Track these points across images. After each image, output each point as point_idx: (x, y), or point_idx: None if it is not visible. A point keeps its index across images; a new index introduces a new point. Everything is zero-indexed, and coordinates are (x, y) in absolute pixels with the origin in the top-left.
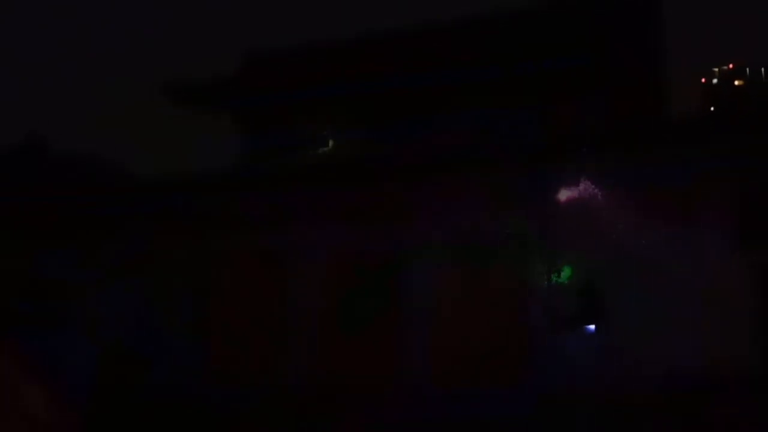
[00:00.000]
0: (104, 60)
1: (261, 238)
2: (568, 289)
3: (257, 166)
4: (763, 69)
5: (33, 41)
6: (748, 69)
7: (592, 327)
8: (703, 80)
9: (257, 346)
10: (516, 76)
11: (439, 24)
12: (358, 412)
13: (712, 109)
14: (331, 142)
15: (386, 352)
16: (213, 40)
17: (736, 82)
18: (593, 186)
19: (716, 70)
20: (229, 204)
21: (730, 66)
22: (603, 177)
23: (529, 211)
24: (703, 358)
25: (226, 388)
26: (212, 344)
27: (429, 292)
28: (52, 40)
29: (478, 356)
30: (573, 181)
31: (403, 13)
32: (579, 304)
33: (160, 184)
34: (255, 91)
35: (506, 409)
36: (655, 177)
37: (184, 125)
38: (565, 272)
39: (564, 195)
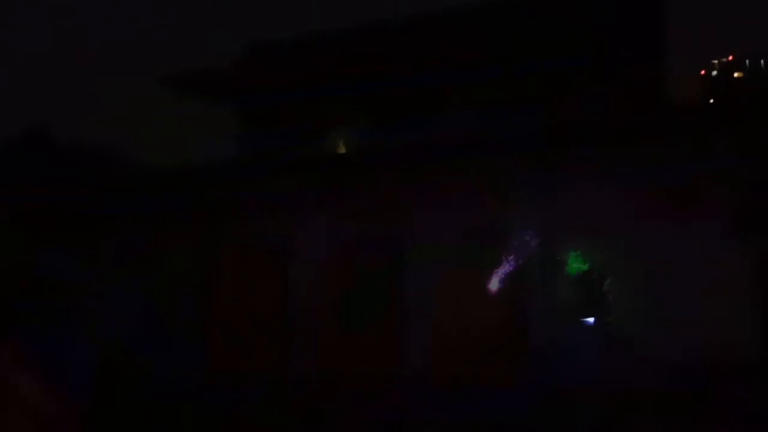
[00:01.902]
0: (104, 52)
1: (262, 235)
2: (569, 282)
3: (258, 162)
4: (762, 61)
5: (33, 32)
6: (747, 61)
7: (592, 319)
8: (702, 72)
9: (258, 343)
10: (517, 74)
11: (439, 20)
12: (358, 409)
13: (711, 101)
14: (331, 138)
15: (387, 350)
16: (217, 32)
17: (736, 74)
18: (594, 182)
19: (716, 62)
20: (229, 200)
21: (730, 58)
22: (603, 173)
23: (531, 208)
24: (703, 351)
25: (227, 386)
26: (213, 341)
27: (430, 289)
28: (52, 31)
29: (479, 353)
30: (574, 178)
31: (402, 9)
32: (580, 296)
33: (160, 180)
34: (256, 83)
35: (507, 405)
36: (655, 172)
37: (184, 117)
38: (573, 261)
39: (565, 191)
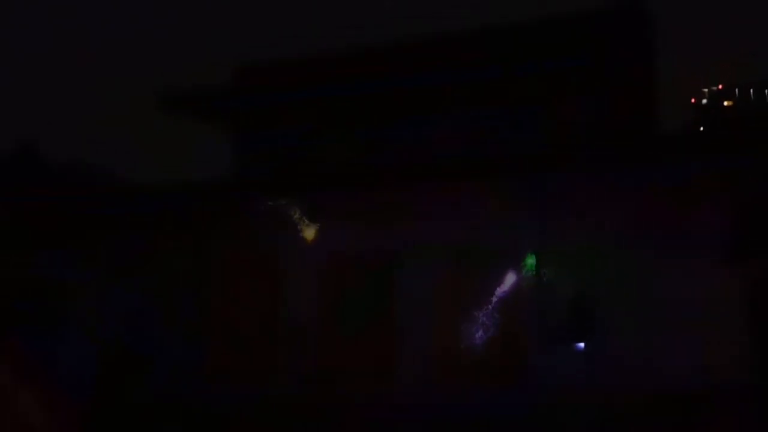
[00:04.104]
0: (104, 52)
1: (260, 239)
2: (560, 302)
3: (255, 170)
4: (752, 89)
5: (22, 49)
6: (737, 89)
7: (582, 345)
8: (692, 100)
9: (256, 346)
10: (517, 74)
11: (440, 30)
12: (356, 411)
13: (701, 129)
14: (323, 148)
15: (384, 354)
16: (216, 32)
17: (726, 103)
18: (588, 192)
19: (706, 90)
20: (227, 208)
21: (720, 87)
22: (597, 185)
23: (529, 214)
24: (695, 367)
25: (225, 388)
26: (211, 344)
27: (427, 295)
28: (53, 31)
29: (475, 359)
30: (568, 197)
31: (404, 18)
32: (571, 320)
33: (160, 187)
34: (248, 101)
35: (502, 410)
36: (648, 189)
37: (176, 134)
38: (530, 263)
39: (558, 209)
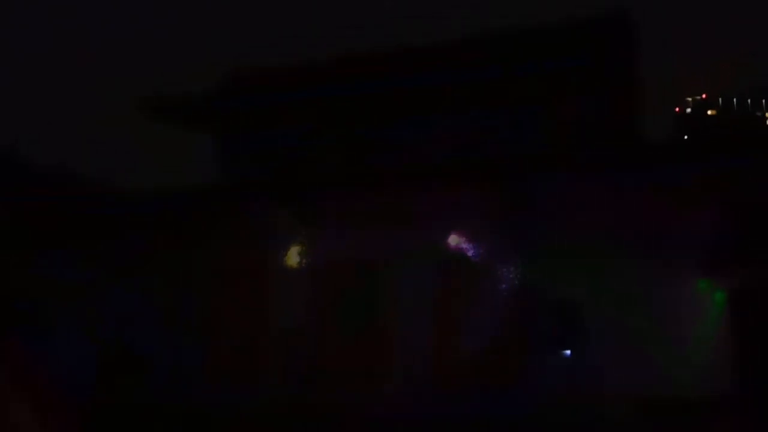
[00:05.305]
0: (95, 68)
1: (258, 241)
2: (555, 304)
3: (251, 173)
4: (734, 99)
5: (22, 49)
6: (720, 99)
7: (569, 351)
8: (677, 110)
9: (254, 347)
10: (517, 74)
11: (440, 31)
12: (354, 412)
13: (685, 137)
14: (321, 149)
15: (381, 356)
16: (216, 32)
17: (709, 112)
18: (588, 193)
19: (690, 99)
20: (225, 210)
21: (703, 96)
22: (597, 186)
23: (529, 215)
24: (677, 379)
25: (224, 389)
26: (210, 345)
27: (424, 296)
28: (53, 31)
29: (470, 361)
30: (556, 205)
31: (404, 18)
32: (564, 323)
33: (159, 188)
34: (240, 104)
35: (497, 413)
36: (648, 190)
37: (173, 136)
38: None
39: (547, 217)
